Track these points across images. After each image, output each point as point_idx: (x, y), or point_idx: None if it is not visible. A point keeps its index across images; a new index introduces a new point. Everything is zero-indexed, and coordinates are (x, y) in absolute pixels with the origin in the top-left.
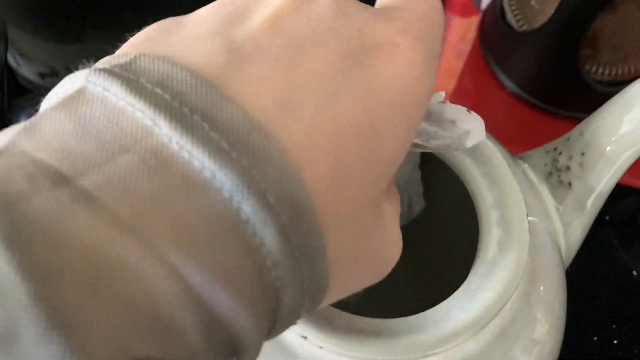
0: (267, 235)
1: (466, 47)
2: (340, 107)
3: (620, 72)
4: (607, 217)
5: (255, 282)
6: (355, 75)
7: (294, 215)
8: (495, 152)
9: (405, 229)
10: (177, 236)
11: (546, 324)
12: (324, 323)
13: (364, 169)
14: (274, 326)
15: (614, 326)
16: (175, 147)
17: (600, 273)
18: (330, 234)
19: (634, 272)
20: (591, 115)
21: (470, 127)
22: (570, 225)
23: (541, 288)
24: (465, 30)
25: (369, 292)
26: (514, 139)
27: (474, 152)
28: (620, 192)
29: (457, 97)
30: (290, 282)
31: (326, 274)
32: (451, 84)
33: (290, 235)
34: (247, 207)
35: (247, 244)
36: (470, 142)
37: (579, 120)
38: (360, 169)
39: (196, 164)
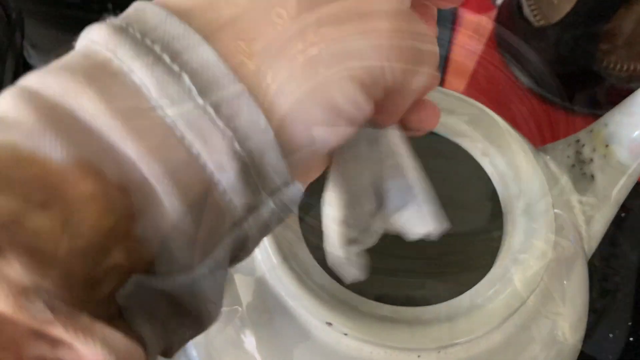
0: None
1: (481, 42)
2: None
3: (638, 68)
4: (622, 215)
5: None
6: None
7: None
8: (520, 143)
9: None
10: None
11: (568, 319)
12: (349, 310)
13: None
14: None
15: (629, 323)
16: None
17: (616, 270)
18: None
19: None
20: (615, 107)
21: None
22: (592, 217)
23: (564, 282)
24: (480, 25)
25: (395, 279)
26: (529, 135)
27: (499, 143)
28: (637, 188)
29: (472, 92)
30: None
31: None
32: (465, 78)
33: None
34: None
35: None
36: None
37: (594, 116)
38: None
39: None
